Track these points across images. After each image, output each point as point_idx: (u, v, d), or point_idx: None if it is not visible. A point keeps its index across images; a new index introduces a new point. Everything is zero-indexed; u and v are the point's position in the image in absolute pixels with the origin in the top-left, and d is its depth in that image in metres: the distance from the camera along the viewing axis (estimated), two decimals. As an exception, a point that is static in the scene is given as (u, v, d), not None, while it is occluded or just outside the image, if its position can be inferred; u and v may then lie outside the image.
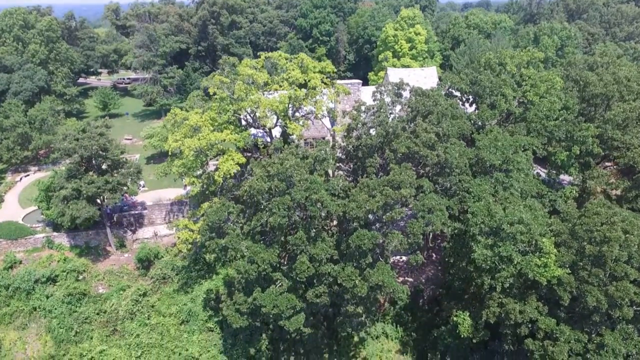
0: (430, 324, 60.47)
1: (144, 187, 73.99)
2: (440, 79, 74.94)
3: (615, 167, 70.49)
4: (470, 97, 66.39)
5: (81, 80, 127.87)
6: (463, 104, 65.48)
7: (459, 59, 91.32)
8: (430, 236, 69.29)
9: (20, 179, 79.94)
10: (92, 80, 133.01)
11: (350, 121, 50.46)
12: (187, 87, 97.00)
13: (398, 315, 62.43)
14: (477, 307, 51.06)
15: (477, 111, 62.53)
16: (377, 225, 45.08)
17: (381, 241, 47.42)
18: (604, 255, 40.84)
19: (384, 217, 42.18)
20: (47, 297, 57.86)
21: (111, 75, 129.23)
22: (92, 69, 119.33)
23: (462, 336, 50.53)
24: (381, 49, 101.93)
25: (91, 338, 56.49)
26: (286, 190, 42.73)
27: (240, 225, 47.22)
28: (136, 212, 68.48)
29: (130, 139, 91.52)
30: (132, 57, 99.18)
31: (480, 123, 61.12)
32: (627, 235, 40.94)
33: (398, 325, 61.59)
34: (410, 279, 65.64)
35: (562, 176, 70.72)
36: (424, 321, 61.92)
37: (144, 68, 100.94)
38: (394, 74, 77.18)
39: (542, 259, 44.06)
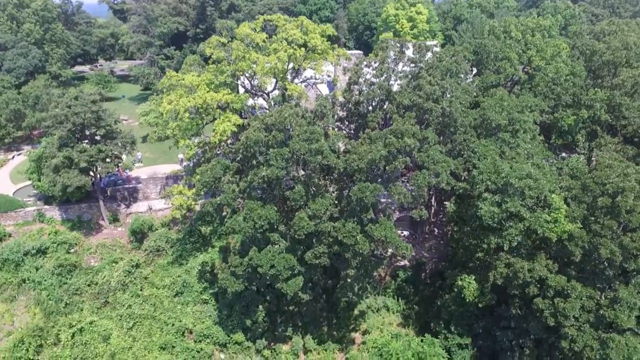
0: (433, 297, 58.42)
1: (140, 161, 72.10)
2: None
3: (621, 139, 68.70)
4: (474, 69, 64.68)
5: (78, 68, 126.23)
6: (466, 74, 63.71)
7: (461, 35, 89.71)
8: (433, 210, 67.53)
9: (13, 157, 77.95)
10: (87, 69, 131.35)
11: (351, 75, 48.54)
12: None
13: (399, 288, 60.53)
14: (483, 272, 49.04)
15: (481, 77, 60.77)
16: (379, 180, 43.08)
17: (383, 200, 45.63)
18: (617, 207, 38.97)
19: (386, 167, 40.20)
20: (37, 269, 55.67)
21: (107, 61, 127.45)
22: (89, 56, 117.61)
23: (467, 301, 48.50)
24: (382, 29, 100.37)
25: (81, 310, 54.31)
26: (284, 141, 40.86)
27: (236, 183, 45.18)
28: (130, 186, 66.44)
29: (127, 120, 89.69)
30: (129, 38, 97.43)
31: (483, 91, 59.36)
32: (641, 186, 39.07)
33: (399, 299, 59.61)
34: (412, 253, 63.54)
35: (564, 154, 69.10)
36: (426, 294, 59.91)
37: (140, 51, 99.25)
38: (395, 47, 75.47)
39: (551, 214, 42.16)
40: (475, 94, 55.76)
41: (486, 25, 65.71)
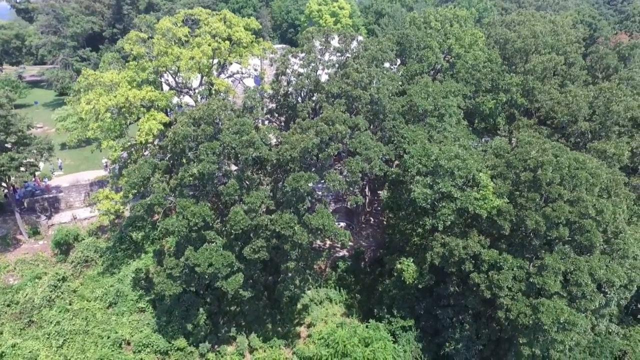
0: (374, 284, 59.44)
1: (60, 169, 67.41)
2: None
3: (536, 121, 73.42)
4: (398, 59, 66.34)
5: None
6: (392, 62, 65.29)
7: (384, 29, 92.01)
8: (367, 200, 68.63)
9: None
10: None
11: (278, 65, 48.06)
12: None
13: (340, 279, 60.92)
14: (420, 254, 50.36)
15: (405, 66, 62.48)
16: (312, 169, 42.93)
17: (319, 193, 45.63)
18: (539, 179, 41.40)
19: (319, 155, 40.15)
20: (-57, 295, 50.45)
21: (14, 66, 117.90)
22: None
23: (407, 283, 49.63)
24: (306, 25, 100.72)
25: (1, 333, 49.73)
26: (214, 135, 39.64)
27: (166, 182, 43.31)
28: (51, 196, 61.87)
29: (42, 127, 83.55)
30: (37, 39, 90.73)
31: (408, 79, 61.05)
32: (557, 159, 41.74)
33: (341, 289, 60.06)
34: (351, 243, 64.24)
35: (487, 138, 72.77)
36: (367, 282, 60.81)
37: (52, 53, 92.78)
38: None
39: (480, 192, 44.07)
40: (401, 82, 57.23)
41: (407, 17, 67.74)
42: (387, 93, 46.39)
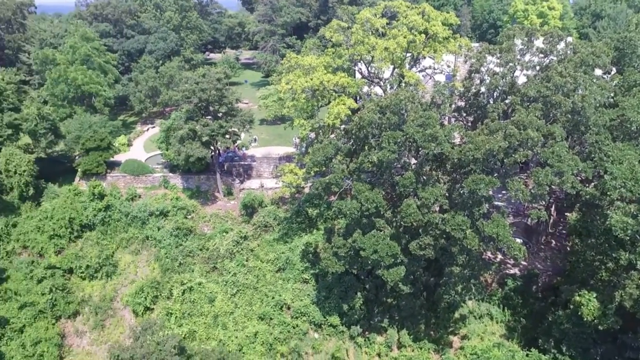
0: (544, 313, 53.72)
1: (256, 142, 75.67)
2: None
3: None
4: (614, 68, 58.21)
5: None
6: (605, 69, 57.56)
7: (600, 32, 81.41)
8: (552, 220, 62.30)
9: (148, 129, 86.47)
10: (216, 57, 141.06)
11: (473, 62, 46.28)
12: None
13: (507, 297, 56.50)
14: (607, 291, 43.88)
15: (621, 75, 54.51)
16: (494, 175, 40.56)
17: (498, 204, 43.03)
18: None
19: (505, 160, 37.72)
20: (158, 229, 61.21)
21: (233, 50, 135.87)
22: (218, 43, 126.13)
23: (585, 320, 43.80)
24: (508, 25, 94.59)
25: (192, 271, 58.66)
26: (398, 125, 40.10)
27: (347, 164, 45.37)
28: (245, 163, 70.18)
29: (247, 103, 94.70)
30: (254, 27, 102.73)
31: (624, 91, 53.13)
32: None
33: (506, 308, 55.73)
34: (524, 262, 59.19)
35: None
36: (536, 308, 55.25)
37: (264, 39, 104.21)
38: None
39: (701, 232, 36.64)
40: (613, 93, 50.28)
41: (633, 18, 58.77)
42: (593, 103, 41.18)
